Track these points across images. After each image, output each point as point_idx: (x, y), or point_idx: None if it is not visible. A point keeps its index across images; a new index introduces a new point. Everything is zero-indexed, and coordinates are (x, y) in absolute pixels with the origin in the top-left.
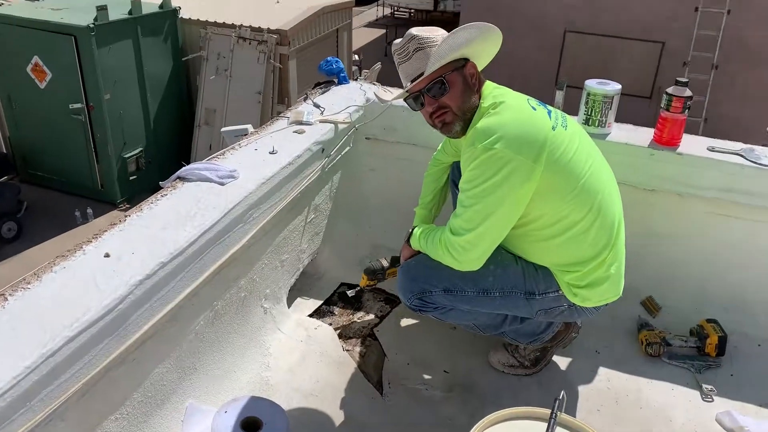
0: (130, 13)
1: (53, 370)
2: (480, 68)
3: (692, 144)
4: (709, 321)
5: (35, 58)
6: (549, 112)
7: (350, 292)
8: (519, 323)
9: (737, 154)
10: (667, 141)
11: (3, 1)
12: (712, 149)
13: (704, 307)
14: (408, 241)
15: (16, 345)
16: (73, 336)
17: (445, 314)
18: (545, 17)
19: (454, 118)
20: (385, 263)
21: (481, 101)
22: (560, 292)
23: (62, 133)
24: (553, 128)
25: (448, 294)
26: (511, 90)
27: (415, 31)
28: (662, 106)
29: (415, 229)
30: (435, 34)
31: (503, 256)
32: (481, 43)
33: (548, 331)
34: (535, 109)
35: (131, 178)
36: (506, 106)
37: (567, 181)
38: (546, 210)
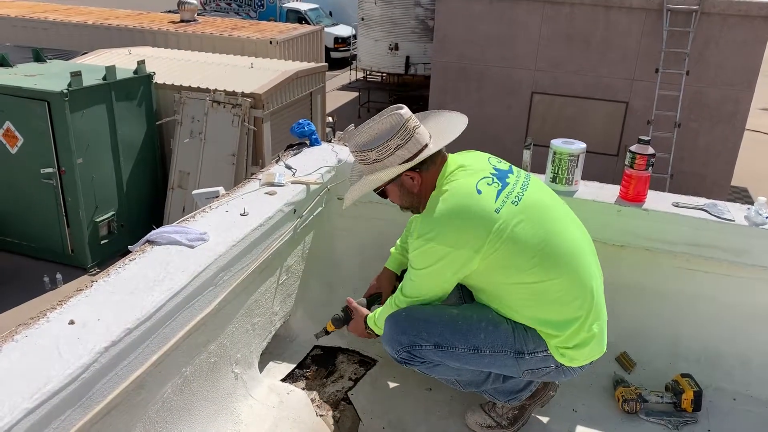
0: (104, 78)
1: None
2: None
3: (658, 200)
4: (683, 376)
5: (7, 124)
6: (499, 191)
7: (317, 334)
8: (501, 382)
9: (701, 209)
10: (632, 197)
11: None
12: (677, 205)
13: (678, 362)
14: (364, 319)
15: None
16: (32, 408)
17: (431, 369)
18: (513, 80)
19: (404, 209)
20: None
21: (440, 180)
22: (548, 353)
23: (32, 197)
24: (497, 210)
25: (438, 349)
26: (469, 164)
27: (358, 140)
28: (626, 163)
29: (368, 316)
30: (372, 147)
31: (494, 315)
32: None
33: (526, 390)
34: (480, 192)
35: (103, 242)
36: (451, 194)
37: (520, 256)
38: (511, 280)
